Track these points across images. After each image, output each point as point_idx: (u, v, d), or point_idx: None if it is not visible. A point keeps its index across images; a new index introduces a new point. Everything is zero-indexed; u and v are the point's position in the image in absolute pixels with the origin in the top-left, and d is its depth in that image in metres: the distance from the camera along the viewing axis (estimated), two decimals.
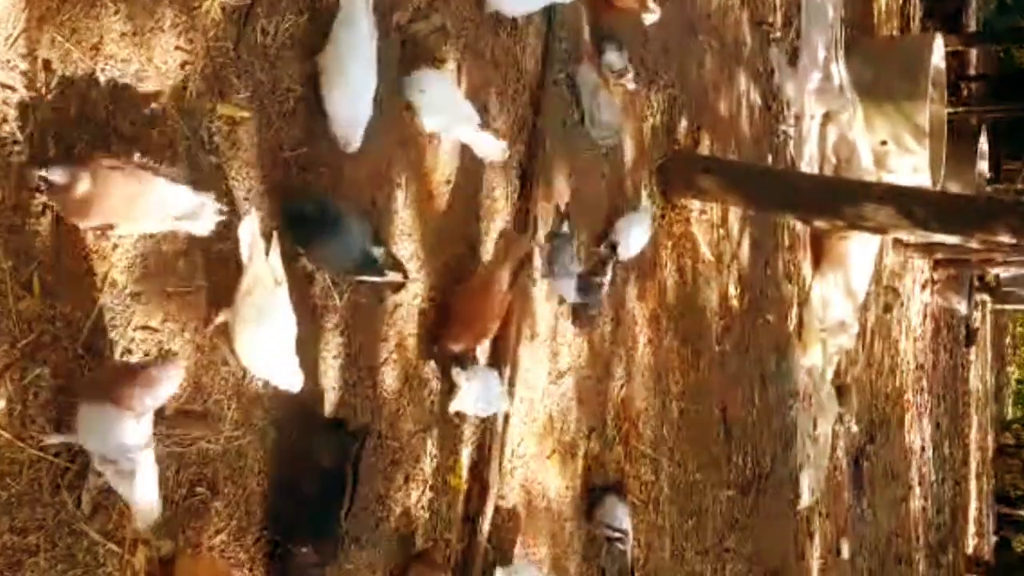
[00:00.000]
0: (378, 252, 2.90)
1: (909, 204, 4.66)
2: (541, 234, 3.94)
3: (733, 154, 5.93)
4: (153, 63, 2.34)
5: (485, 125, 3.46)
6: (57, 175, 2.05)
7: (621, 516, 4.27)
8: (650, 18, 4.61)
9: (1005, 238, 4.61)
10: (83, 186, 2.07)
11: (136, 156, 2.22)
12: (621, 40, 4.47)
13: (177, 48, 2.41)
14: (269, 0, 2.66)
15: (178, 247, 2.40)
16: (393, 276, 3.03)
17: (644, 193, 4.71)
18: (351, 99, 2.84)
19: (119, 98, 2.24)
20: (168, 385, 2.23)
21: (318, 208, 2.79)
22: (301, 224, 2.74)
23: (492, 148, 3.47)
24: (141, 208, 2.21)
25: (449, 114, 3.27)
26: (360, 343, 3.02)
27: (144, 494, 2.15)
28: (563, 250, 3.98)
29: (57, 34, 2.13)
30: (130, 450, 2.12)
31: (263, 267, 2.47)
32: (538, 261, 3.92)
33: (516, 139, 3.85)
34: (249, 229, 2.47)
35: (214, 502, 2.50)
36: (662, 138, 5.05)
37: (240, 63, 2.59)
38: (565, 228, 4.06)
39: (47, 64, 2.11)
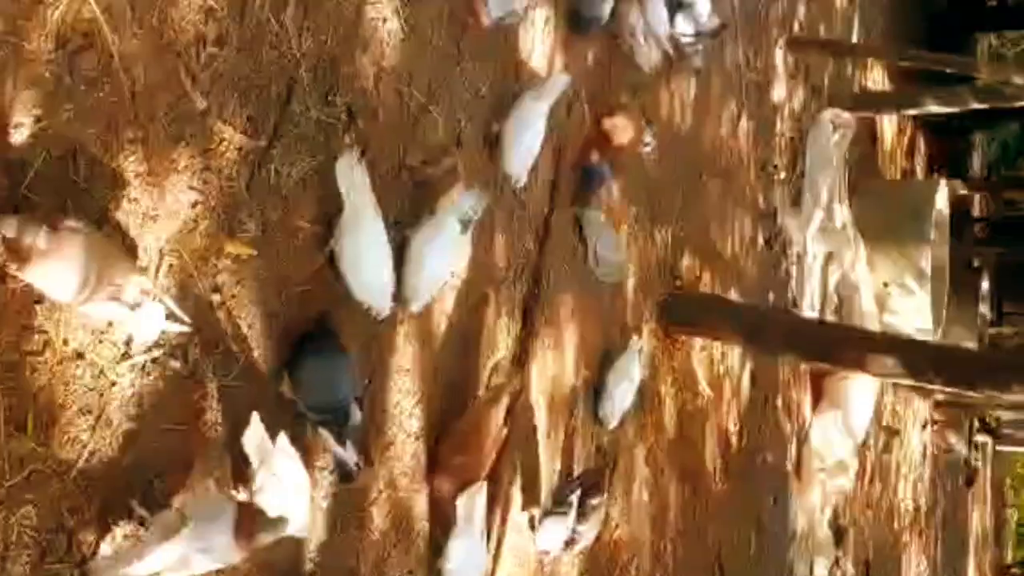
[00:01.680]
0: (355, 416, 2.77)
1: (910, 356, 4.64)
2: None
3: (735, 291, 5.97)
4: (165, 202, 2.38)
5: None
6: (10, 229, 1.98)
7: None
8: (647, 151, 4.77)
9: (1005, 395, 4.60)
10: (38, 241, 1.99)
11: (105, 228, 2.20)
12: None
13: (191, 188, 2.45)
14: (285, 142, 2.72)
15: (174, 385, 2.40)
16: (348, 455, 2.76)
17: (635, 337, 4.69)
18: (373, 278, 2.90)
19: (124, 237, 2.27)
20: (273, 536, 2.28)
21: (319, 323, 2.79)
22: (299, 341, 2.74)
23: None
24: (88, 271, 2.07)
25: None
26: None
27: None
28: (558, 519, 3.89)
29: (74, 176, 2.17)
30: (191, 559, 2.15)
31: (275, 464, 2.49)
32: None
33: (518, 275, 3.89)
34: (255, 436, 2.47)
35: None
36: (664, 275, 5.09)
37: (252, 202, 2.62)
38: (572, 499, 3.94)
39: (59, 204, 2.14)
